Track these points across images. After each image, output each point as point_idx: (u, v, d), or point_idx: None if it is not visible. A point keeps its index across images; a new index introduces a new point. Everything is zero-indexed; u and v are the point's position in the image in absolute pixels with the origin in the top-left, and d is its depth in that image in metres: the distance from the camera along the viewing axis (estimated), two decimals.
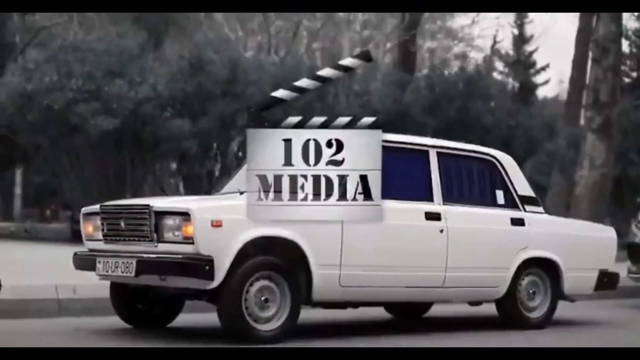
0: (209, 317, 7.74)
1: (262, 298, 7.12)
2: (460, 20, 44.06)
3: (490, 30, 54.21)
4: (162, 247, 7.09)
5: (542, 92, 49.91)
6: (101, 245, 7.62)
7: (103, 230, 7.58)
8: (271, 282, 7.16)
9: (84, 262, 7.73)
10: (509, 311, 8.51)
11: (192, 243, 6.90)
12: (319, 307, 7.92)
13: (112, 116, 16.86)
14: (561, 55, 48.22)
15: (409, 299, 8.24)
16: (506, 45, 49.75)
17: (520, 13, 47.18)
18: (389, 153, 7.76)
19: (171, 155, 18.82)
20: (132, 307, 8.03)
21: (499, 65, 49.26)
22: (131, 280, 7.27)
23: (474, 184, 8.45)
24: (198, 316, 8.34)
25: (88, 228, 7.84)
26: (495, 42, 49.04)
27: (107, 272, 7.36)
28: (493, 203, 8.50)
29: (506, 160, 8.70)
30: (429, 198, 8.07)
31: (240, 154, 19.65)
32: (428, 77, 21.30)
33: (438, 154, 8.21)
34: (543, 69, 48.53)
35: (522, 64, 47.57)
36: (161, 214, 7.10)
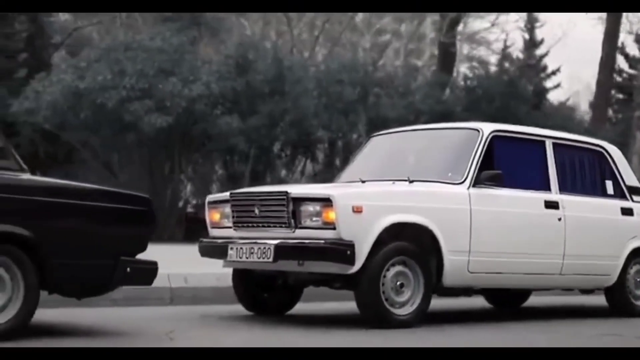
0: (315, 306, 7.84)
1: (398, 283, 7.24)
2: (477, 23, 44.25)
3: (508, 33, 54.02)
4: (299, 232, 7.20)
5: (552, 96, 50.10)
6: (230, 233, 7.72)
7: (233, 217, 7.68)
8: (406, 267, 7.28)
9: (213, 249, 7.82)
10: (619, 299, 8.65)
11: (333, 228, 7.01)
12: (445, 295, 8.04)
13: (165, 114, 16.97)
14: (573, 60, 48.38)
15: (529, 286, 8.39)
16: (516, 49, 49.93)
17: (530, 17, 47.46)
18: (511, 142, 7.91)
19: (218, 152, 18.91)
20: (254, 295, 8.13)
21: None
22: (268, 266, 7.36)
23: (585, 174, 8.60)
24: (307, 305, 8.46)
25: (214, 216, 7.94)
26: (505, 47, 49.27)
27: (240, 258, 7.44)
28: (603, 193, 8.65)
29: (614, 152, 8.85)
30: (546, 187, 8.21)
31: (284, 152, 19.82)
32: (468, 78, 21.47)
33: (553, 144, 8.36)
34: (554, 73, 48.74)
35: (533, 68, 47.78)
36: (300, 200, 7.21)
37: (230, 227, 7.74)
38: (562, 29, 53.12)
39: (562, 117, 23.29)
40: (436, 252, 7.44)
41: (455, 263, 7.49)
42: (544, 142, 8.33)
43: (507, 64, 45.10)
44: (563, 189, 8.29)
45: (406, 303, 7.29)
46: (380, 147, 8.77)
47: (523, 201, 7.94)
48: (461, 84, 20.62)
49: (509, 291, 9.18)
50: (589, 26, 42.92)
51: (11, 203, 5.92)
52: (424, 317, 7.39)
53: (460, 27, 27.53)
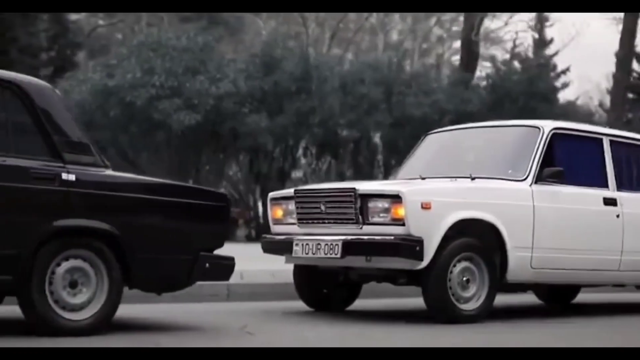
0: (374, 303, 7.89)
1: (464, 279, 7.30)
2: (491, 23, 44.29)
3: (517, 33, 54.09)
4: (367, 229, 7.26)
5: (560, 96, 50.15)
6: (294, 229, 7.78)
7: (298, 213, 7.74)
8: (471, 263, 7.35)
9: (277, 246, 7.88)
10: None
11: (402, 224, 7.07)
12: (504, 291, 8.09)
13: (194, 112, 17.03)
14: (581, 60, 48.41)
15: (587, 282, 8.46)
16: (523, 48, 49.99)
17: (540, 17, 47.52)
18: (570, 140, 7.98)
19: (245, 151, 18.98)
20: (315, 291, 8.19)
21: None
22: (335, 262, 7.42)
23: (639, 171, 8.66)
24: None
25: (277, 212, 8.01)
26: (515, 46, 49.37)
27: (306, 254, 7.51)
28: None
29: None
30: (604, 184, 8.27)
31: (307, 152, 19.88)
32: (490, 77, 21.56)
33: (610, 141, 8.42)
34: (564, 72, 48.81)
35: (544, 67, 47.82)
36: (368, 197, 7.27)
37: (294, 224, 7.80)
38: (575, 28, 52.59)
39: (583, 115, 23.38)
40: (500, 248, 7.50)
41: (519, 259, 7.56)
42: (601, 139, 8.40)
43: (516, 63, 45.16)
44: (620, 186, 8.36)
45: (471, 298, 7.36)
46: (436, 144, 8.83)
47: (583, 198, 8.01)
48: (483, 83, 20.67)
49: (561, 287, 9.26)
50: (601, 27, 42.99)
51: (96, 199, 5.99)
52: (489, 313, 7.45)
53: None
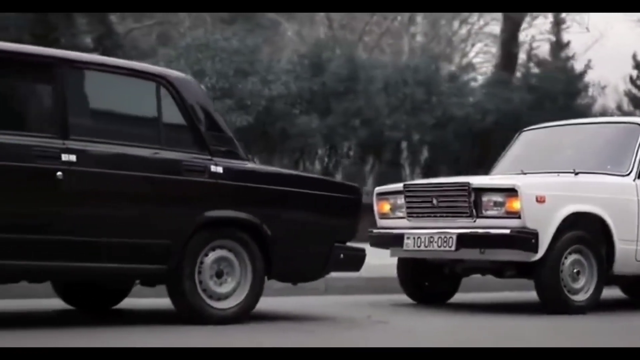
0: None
1: (575, 270, 7.47)
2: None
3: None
4: (480, 222, 7.43)
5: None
6: (403, 223, 7.94)
7: (408, 208, 7.90)
8: (581, 255, 7.52)
9: (386, 239, 8.05)
10: None
11: (518, 217, 7.25)
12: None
13: (246, 113, 17.20)
14: (599, 61, 48.56)
15: None
16: (543, 51, 50.19)
17: (558, 19, 47.70)
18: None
19: (291, 151, 19.14)
20: (419, 284, 8.36)
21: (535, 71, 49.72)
22: (448, 255, 7.58)
23: None
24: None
25: (383, 207, 8.17)
26: (532, 48, 49.54)
27: (418, 247, 7.67)
28: None
29: None
30: None
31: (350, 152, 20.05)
32: (529, 77, 21.75)
33: None
34: (581, 74, 48.98)
35: (561, 70, 47.97)
36: (482, 191, 7.45)
37: (402, 218, 7.96)
38: (598, 29, 52.56)
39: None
40: (607, 241, 7.67)
41: (625, 252, 7.72)
42: None
43: (531, 64, 45.14)
44: None
45: (581, 290, 7.53)
46: (531, 141, 9.00)
47: None
48: (523, 82, 20.88)
49: None
50: (625, 28, 43.13)
51: (241, 191, 6.16)
52: (597, 304, 7.62)
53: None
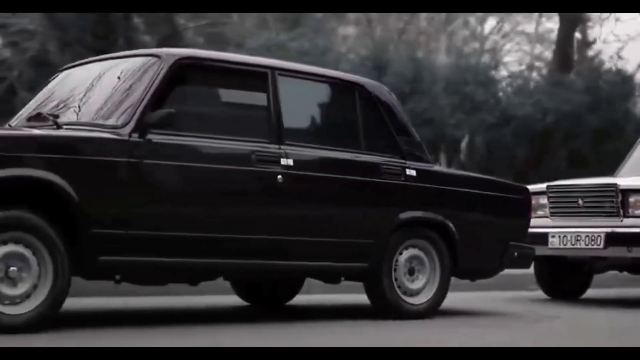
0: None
1: None
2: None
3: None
4: (627, 221, 7.78)
5: None
6: (545, 222, 8.26)
7: (551, 207, 8.24)
8: None
9: (529, 238, 8.35)
10: None
11: None
12: None
13: None
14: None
15: None
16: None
17: (583, 17, 47.94)
18: None
19: None
20: (556, 281, 8.69)
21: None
22: (594, 252, 7.92)
23: None
24: None
25: None
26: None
27: (564, 245, 8.01)
28: None
29: None
30: None
31: None
32: (586, 77, 21.99)
33: None
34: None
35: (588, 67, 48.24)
36: (629, 192, 7.79)
37: (544, 217, 8.29)
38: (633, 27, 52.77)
39: None
40: None
41: None
42: None
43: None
44: None
45: None
46: None
47: None
48: (581, 84, 21.12)
49: None
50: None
51: (431, 193, 6.50)
52: None
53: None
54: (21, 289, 5.02)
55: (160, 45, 22.75)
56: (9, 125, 5.95)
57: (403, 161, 6.43)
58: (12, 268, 4.99)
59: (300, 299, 7.53)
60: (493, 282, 9.38)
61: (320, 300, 7.81)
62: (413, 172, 6.41)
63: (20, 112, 6.22)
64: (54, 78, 6.46)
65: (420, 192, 6.42)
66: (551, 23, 39.30)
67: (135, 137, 5.34)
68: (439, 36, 35.60)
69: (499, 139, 19.86)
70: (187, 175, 5.52)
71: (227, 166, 5.64)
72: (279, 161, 5.82)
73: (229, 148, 5.69)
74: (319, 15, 28.14)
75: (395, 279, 6.34)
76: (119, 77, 5.73)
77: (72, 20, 22.38)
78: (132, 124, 5.36)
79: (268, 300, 7.32)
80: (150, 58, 5.71)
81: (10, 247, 5.00)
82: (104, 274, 5.45)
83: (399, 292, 6.34)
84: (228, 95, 5.95)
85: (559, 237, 8.04)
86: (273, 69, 6.03)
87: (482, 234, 6.69)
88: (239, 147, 5.73)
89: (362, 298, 6.58)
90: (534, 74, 22.55)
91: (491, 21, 36.20)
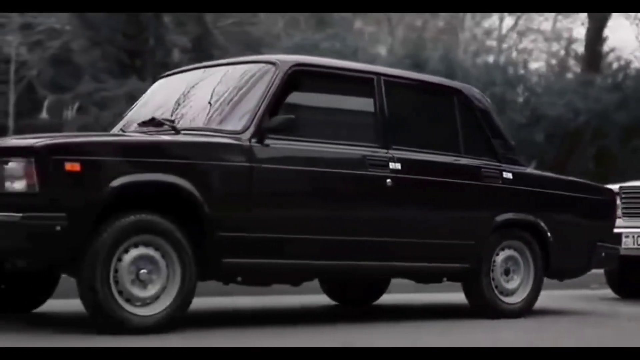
0: None
1: None
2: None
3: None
4: None
5: None
6: (618, 222, 8.38)
7: (624, 208, 8.40)
8: None
9: None
10: None
11: None
12: None
13: None
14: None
15: None
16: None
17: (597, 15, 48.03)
18: None
19: None
20: (625, 280, 8.85)
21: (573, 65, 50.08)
22: None
23: None
24: None
25: None
26: (570, 43, 49.91)
27: (638, 245, 8.18)
28: None
29: None
30: None
31: None
32: (613, 76, 22.16)
33: None
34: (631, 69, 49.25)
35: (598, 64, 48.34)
36: None
37: (617, 218, 8.42)
38: None
39: None
40: None
41: None
42: None
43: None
44: None
45: None
46: None
47: None
48: (609, 83, 21.29)
49: None
50: None
51: (526, 195, 6.67)
52: None
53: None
54: (151, 290, 5.15)
55: (193, 44, 22.91)
56: (122, 130, 6.09)
57: (499, 164, 6.58)
58: (142, 270, 5.12)
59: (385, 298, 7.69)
60: (555, 281, 9.57)
61: (403, 299, 7.96)
62: (509, 175, 6.57)
63: (124, 119, 6.37)
64: (152, 85, 6.62)
65: (515, 194, 6.58)
66: (568, 21, 39.53)
67: (254, 142, 5.49)
68: (457, 35, 35.76)
69: (529, 139, 20.01)
70: (303, 180, 5.67)
71: (341, 170, 5.79)
72: (388, 165, 5.97)
73: (342, 153, 5.85)
74: (343, 15, 28.36)
75: (493, 279, 6.49)
76: (231, 84, 5.87)
77: (102, 19, 22.56)
78: (251, 129, 5.51)
79: (356, 300, 7.47)
80: (264, 65, 5.84)
81: (141, 250, 5.13)
82: (226, 276, 5.59)
83: (496, 291, 6.49)
84: (337, 100, 6.10)
85: (633, 237, 8.20)
86: (379, 75, 6.18)
87: (572, 235, 6.85)
88: (351, 151, 5.89)
89: (438, 297, 6.70)
90: (565, 74, 22.49)
91: (509, 20, 36.42)
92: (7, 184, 4.97)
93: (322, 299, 7.56)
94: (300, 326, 5.77)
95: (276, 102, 5.64)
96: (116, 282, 5.04)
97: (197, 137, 5.52)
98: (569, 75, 22.75)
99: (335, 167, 5.78)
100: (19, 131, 35.16)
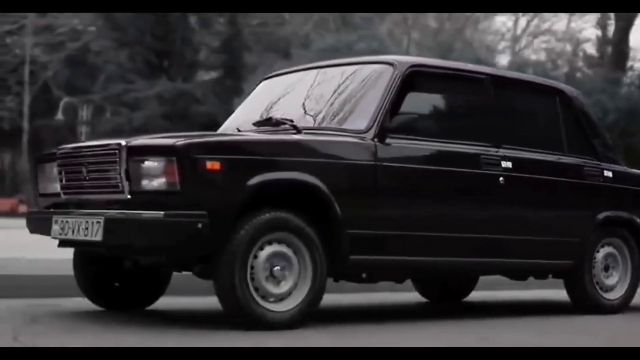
0: None
1: None
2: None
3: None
4: None
5: None
6: None
7: None
8: None
9: None
10: None
11: None
12: None
13: None
14: None
15: None
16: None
17: (604, 15, 48.23)
18: None
19: None
20: None
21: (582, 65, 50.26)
22: None
23: None
24: None
25: None
26: (578, 43, 50.09)
27: None
28: None
29: None
30: None
31: None
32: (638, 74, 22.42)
33: None
34: (629, 69, 49.52)
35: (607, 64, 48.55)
36: None
37: None
38: None
39: None
40: None
41: None
42: None
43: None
44: None
45: None
46: None
47: None
48: (636, 81, 21.52)
49: None
50: None
51: (622, 192, 6.83)
52: None
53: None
54: (284, 287, 5.25)
55: (223, 45, 23.08)
56: (238, 129, 6.19)
57: (599, 163, 6.72)
58: (276, 267, 5.23)
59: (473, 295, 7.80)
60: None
61: (490, 296, 8.07)
62: (609, 174, 6.71)
63: (232, 119, 6.48)
64: (257, 86, 6.75)
65: (615, 192, 6.73)
66: (581, 22, 39.68)
67: (377, 141, 5.60)
68: (472, 34, 35.98)
69: None
70: (423, 178, 5.79)
71: (459, 169, 5.92)
72: (500, 164, 6.10)
73: (459, 151, 5.97)
74: (363, 15, 28.54)
75: (594, 276, 6.62)
76: (348, 84, 5.99)
77: (130, 20, 22.69)
78: (374, 128, 5.62)
79: (448, 297, 7.59)
80: (382, 65, 5.95)
81: (275, 247, 5.24)
82: (352, 273, 5.70)
83: (597, 287, 6.62)
84: (450, 100, 6.22)
85: None
86: (489, 75, 6.31)
87: None
88: (467, 150, 6.01)
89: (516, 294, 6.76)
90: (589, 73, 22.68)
91: (522, 21, 36.67)
92: (145, 182, 5.06)
93: (408, 297, 7.66)
94: (420, 323, 5.88)
95: (396, 102, 5.76)
96: (252, 279, 5.14)
97: (324, 136, 5.62)
98: (590, 73, 22.85)
99: (452, 165, 5.91)
100: (34, 132, 35.30)
